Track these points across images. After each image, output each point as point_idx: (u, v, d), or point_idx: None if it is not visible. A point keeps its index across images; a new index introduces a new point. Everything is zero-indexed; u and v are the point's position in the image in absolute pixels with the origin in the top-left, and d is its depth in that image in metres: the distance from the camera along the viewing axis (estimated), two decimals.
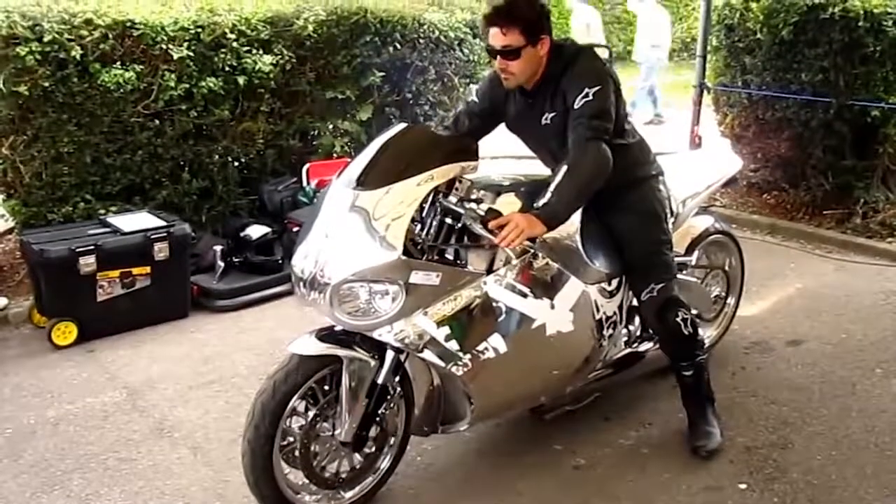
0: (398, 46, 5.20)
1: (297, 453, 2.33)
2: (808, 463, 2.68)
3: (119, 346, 3.74)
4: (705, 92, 6.04)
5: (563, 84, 2.47)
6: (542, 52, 2.48)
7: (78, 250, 3.70)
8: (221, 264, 4.32)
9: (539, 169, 2.84)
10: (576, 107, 2.41)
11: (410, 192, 2.24)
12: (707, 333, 3.40)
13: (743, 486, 2.60)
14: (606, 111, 2.44)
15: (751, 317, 3.88)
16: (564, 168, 2.37)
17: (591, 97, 2.40)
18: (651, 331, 2.99)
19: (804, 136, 5.34)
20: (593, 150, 2.38)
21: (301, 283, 2.31)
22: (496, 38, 2.44)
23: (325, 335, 2.34)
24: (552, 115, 2.53)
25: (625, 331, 2.96)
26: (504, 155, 3.51)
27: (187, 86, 4.37)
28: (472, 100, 2.76)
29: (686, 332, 2.76)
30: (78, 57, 3.98)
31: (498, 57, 2.47)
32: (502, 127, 2.79)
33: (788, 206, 5.64)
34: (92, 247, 3.74)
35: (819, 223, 5.32)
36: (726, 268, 3.56)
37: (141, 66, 4.21)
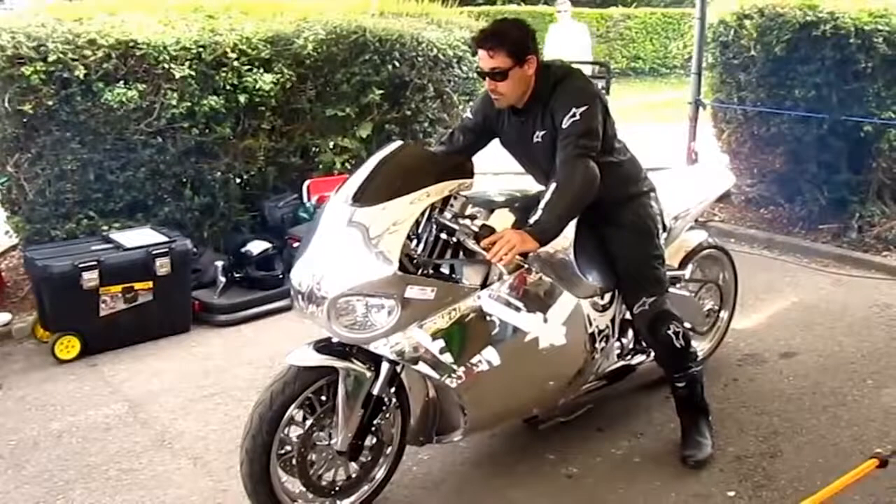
0: (397, 64, 5.27)
1: (294, 462, 2.38)
2: (797, 471, 2.72)
3: (121, 360, 3.79)
4: (702, 108, 6.13)
5: (552, 104, 2.54)
6: (530, 72, 2.55)
7: (81, 266, 3.75)
8: (223, 279, 4.37)
9: (534, 185, 2.91)
10: (564, 126, 2.48)
11: (406, 209, 2.31)
12: (701, 346, 3.45)
13: (731, 494, 2.65)
14: (594, 130, 2.51)
15: (745, 330, 3.93)
16: (554, 186, 2.44)
17: (578, 117, 2.47)
18: (644, 343, 3.04)
19: (799, 152, 5.42)
20: (581, 168, 2.45)
21: (300, 297, 2.37)
22: (484, 60, 2.52)
23: (323, 347, 2.40)
24: (542, 133, 2.60)
25: (617, 344, 3.01)
26: (506, 171, 3.57)
27: (189, 104, 4.42)
28: (467, 116, 2.84)
29: (678, 345, 2.82)
30: (81, 76, 4.04)
31: (487, 78, 2.55)
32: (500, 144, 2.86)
33: (785, 220, 5.70)
34: (94, 262, 3.79)
35: (815, 237, 5.38)
36: (720, 282, 3.62)
37: (143, 85, 4.27)
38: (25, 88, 3.95)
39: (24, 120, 4.03)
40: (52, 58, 3.96)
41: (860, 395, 3.29)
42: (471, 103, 4.46)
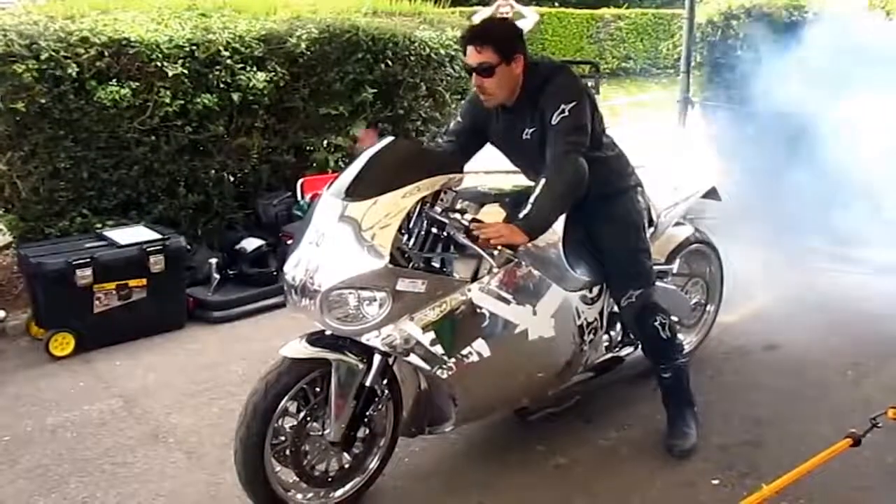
0: (390, 63, 5.31)
1: (287, 452, 2.42)
2: (779, 460, 2.76)
3: (116, 356, 3.81)
4: (690, 106, 6.21)
5: (541, 101, 2.59)
6: (517, 71, 2.60)
7: (75, 263, 3.77)
8: (217, 276, 4.40)
9: (525, 182, 2.96)
10: (553, 123, 2.53)
11: (397, 204, 2.35)
12: (687, 339, 3.51)
13: (715, 482, 2.71)
14: (582, 126, 2.56)
15: (731, 323, 3.99)
16: (543, 181, 2.49)
17: (566, 113, 2.52)
18: (632, 335, 3.10)
19: (785, 149, 5.48)
20: (570, 164, 2.51)
21: (293, 291, 2.42)
22: (472, 56, 2.58)
23: (316, 339, 2.44)
24: (532, 130, 2.65)
25: (606, 336, 3.07)
26: (497, 170, 3.61)
27: (182, 102, 4.45)
28: (456, 120, 2.88)
29: (664, 336, 2.87)
30: (74, 74, 4.06)
31: (474, 75, 2.60)
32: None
33: (771, 216, 5.75)
34: (88, 259, 3.81)
35: (801, 233, 5.43)
36: (706, 276, 3.68)
37: (136, 83, 4.29)
38: (18, 86, 3.96)
39: (17, 118, 4.03)
40: (44, 56, 3.98)
41: (841, 387, 3.37)
42: (462, 102, 4.52)
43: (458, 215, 2.49)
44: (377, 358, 2.43)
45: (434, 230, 2.46)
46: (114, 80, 4.24)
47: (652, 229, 3.12)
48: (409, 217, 2.44)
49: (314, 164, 5.28)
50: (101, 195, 4.39)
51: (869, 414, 2.38)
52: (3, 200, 4.30)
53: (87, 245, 3.96)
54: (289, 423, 2.43)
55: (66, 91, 4.09)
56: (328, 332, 2.43)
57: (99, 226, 4.29)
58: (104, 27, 4.28)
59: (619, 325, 3.12)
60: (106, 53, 4.19)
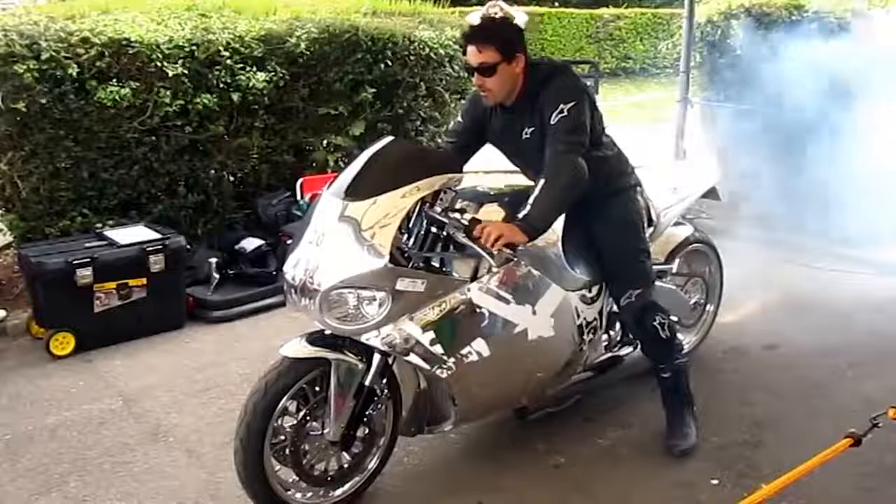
0: (389, 63, 5.32)
1: (287, 451, 2.42)
2: (778, 459, 2.76)
3: (116, 355, 3.82)
4: (690, 106, 6.21)
5: (541, 101, 2.60)
6: (518, 70, 2.61)
7: (75, 263, 3.78)
8: (216, 276, 4.41)
9: (524, 181, 2.96)
10: (552, 122, 2.54)
11: (396, 203, 2.36)
12: (687, 339, 3.51)
13: (715, 482, 2.71)
14: (581, 126, 2.56)
15: (730, 323, 3.99)
16: (542, 181, 2.50)
17: (566, 113, 2.53)
18: (631, 335, 3.10)
19: (784, 149, 5.49)
20: (569, 164, 2.51)
21: (292, 290, 2.42)
22: (473, 55, 2.58)
23: (315, 339, 2.45)
24: (531, 129, 2.65)
25: (605, 336, 3.07)
26: (496, 170, 3.62)
27: (182, 102, 4.45)
28: (457, 120, 2.89)
29: (664, 336, 2.88)
30: (75, 74, 4.06)
31: (475, 74, 2.60)
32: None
33: (771, 215, 5.75)
34: (88, 259, 3.82)
35: (800, 232, 5.44)
36: (706, 276, 3.68)
37: (137, 83, 4.29)
38: (18, 87, 3.96)
39: (18, 118, 4.03)
40: (45, 56, 3.98)
41: (841, 386, 3.37)
42: (462, 101, 4.52)
43: (457, 215, 2.49)
44: (377, 357, 2.43)
45: (434, 230, 2.47)
46: (114, 80, 4.24)
47: (651, 229, 3.13)
48: (408, 217, 2.45)
49: (314, 164, 5.28)
50: (101, 195, 4.39)
51: (869, 414, 2.37)
52: (3, 200, 4.31)
53: (88, 245, 3.97)
54: (288, 422, 2.43)
55: (66, 91, 4.09)
56: (328, 332, 2.44)
57: (99, 225, 4.29)
58: (104, 27, 4.27)
59: (618, 325, 3.13)
60: (106, 53, 4.19)
